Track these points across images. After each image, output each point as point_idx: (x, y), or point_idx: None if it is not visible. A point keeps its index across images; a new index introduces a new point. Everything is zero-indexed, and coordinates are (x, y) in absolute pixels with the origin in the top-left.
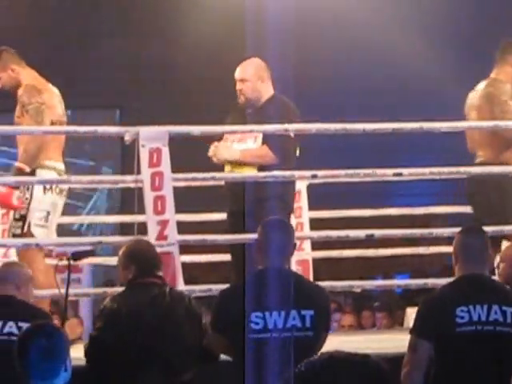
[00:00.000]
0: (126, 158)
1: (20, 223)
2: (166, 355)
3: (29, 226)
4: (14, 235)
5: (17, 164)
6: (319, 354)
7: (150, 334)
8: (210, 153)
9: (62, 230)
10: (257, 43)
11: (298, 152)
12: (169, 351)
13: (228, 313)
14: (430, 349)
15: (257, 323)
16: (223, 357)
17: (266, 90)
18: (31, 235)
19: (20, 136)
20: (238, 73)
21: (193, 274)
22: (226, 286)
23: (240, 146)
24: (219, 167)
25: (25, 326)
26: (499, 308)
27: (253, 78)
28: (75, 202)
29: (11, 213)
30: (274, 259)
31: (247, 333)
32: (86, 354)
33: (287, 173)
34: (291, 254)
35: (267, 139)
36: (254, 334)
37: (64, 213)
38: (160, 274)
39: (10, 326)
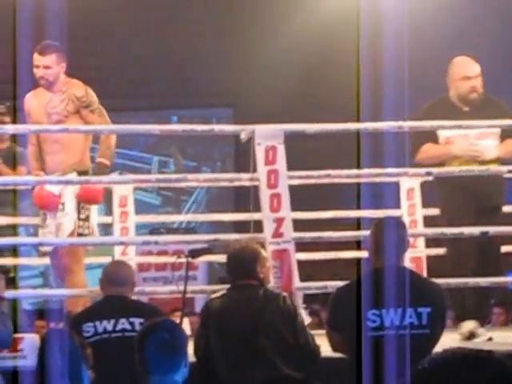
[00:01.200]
0: (239, 157)
1: (87, 223)
2: (262, 354)
3: (92, 226)
4: (82, 235)
5: (102, 160)
6: (442, 351)
7: (246, 334)
8: (474, 153)
9: (172, 228)
10: (372, 44)
11: None
12: (265, 349)
13: (344, 310)
14: None
15: (373, 321)
16: (334, 354)
17: None
18: (94, 234)
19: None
20: (473, 70)
21: (307, 271)
22: (341, 283)
23: (482, 143)
24: (333, 165)
25: (136, 321)
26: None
27: (480, 75)
28: (180, 195)
29: (73, 213)
30: (390, 257)
31: (364, 330)
32: (194, 350)
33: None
34: (405, 252)
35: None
36: (370, 332)
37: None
38: (258, 275)
39: (123, 323)
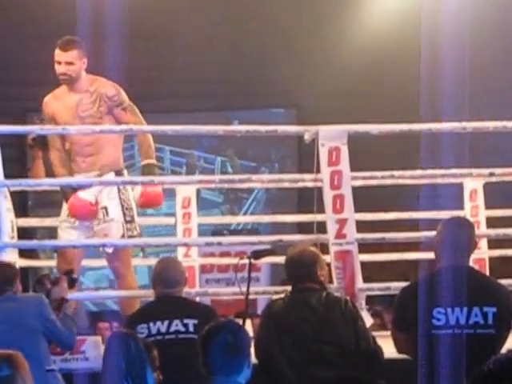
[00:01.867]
0: (301, 159)
1: (134, 225)
2: (324, 356)
3: (139, 226)
4: (132, 237)
5: (150, 161)
6: (507, 351)
7: (307, 337)
8: None
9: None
10: (432, 45)
11: None
12: (327, 353)
13: (409, 310)
14: None
15: (439, 319)
16: (399, 356)
17: None
18: (140, 235)
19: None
20: None
21: (370, 272)
22: (403, 284)
23: None
24: (396, 166)
25: (190, 323)
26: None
27: None
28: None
29: (120, 217)
30: (457, 257)
31: (429, 328)
32: (255, 351)
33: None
34: (472, 252)
35: None
36: (435, 330)
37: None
38: (318, 278)
39: (176, 325)
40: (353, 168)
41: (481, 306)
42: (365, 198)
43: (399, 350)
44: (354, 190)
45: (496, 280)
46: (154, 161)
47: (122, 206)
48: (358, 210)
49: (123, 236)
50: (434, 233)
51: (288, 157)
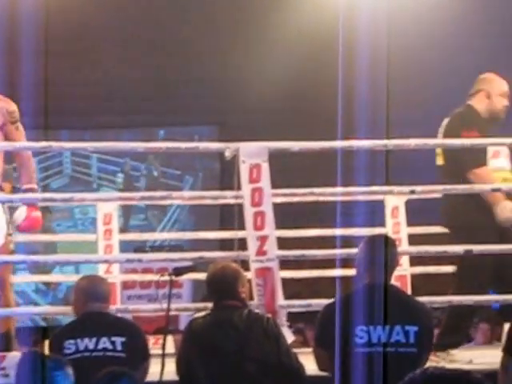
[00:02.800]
0: (224, 173)
1: (12, 238)
2: (247, 375)
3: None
4: (12, 251)
5: (33, 186)
6: (421, 370)
7: (230, 355)
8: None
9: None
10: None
11: None
12: (249, 371)
13: (332, 328)
14: None
15: (361, 337)
16: (320, 373)
17: None
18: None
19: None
20: (508, 88)
21: (292, 289)
22: (325, 301)
23: (494, 163)
24: (317, 183)
25: (118, 340)
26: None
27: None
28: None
29: (5, 228)
30: (379, 274)
31: (351, 346)
32: (176, 368)
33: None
34: (394, 270)
35: None
36: (357, 348)
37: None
38: (240, 295)
39: (104, 342)
40: (274, 185)
41: (403, 325)
42: (287, 215)
43: (320, 368)
44: (276, 206)
45: (417, 299)
46: (36, 186)
47: (7, 218)
48: (279, 226)
49: (5, 247)
50: (354, 250)
51: (212, 168)
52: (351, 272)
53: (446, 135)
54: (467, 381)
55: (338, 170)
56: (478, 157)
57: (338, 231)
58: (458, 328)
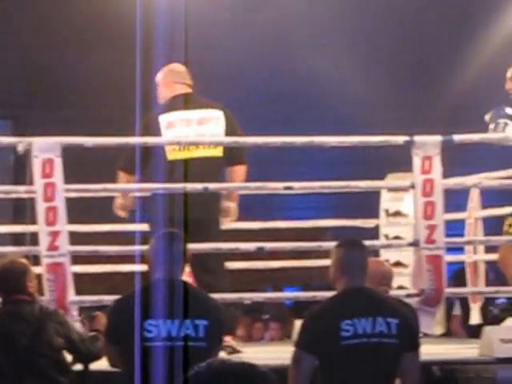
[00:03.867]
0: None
1: None
2: (39, 369)
3: None
4: None
5: None
6: (207, 362)
7: (21, 349)
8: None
9: None
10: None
11: None
12: (41, 365)
13: (121, 323)
14: (314, 362)
15: (150, 331)
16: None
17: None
18: None
19: None
20: None
21: (84, 284)
22: (117, 296)
23: (200, 129)
24: (111, 178)
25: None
26: (384, 320)
27: None
28: None
29: None
30: (170, 270)
31: (141, 341)
32: None
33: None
34: (183, 265)
35: None
36: (146, 342)
37: None
38: (28, 290)
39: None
40: (70, 180)
41: (193, 319)
42: (81, 211)
43: (111, 364)
44: (70, 201)
45: (207, 294)
46: None
47: None
48: (74, 222)
49: None
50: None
51: (5, 162)
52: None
53: None
54: (251, 374)
55: (137, 164)
56: None
57: (131, 227)
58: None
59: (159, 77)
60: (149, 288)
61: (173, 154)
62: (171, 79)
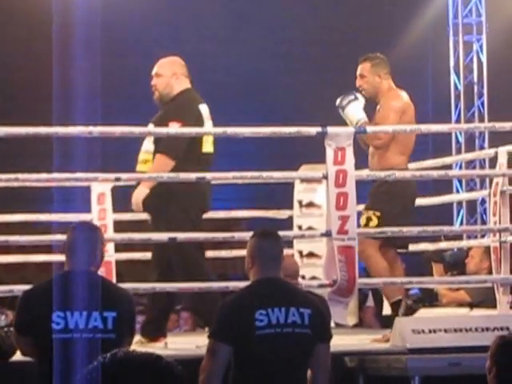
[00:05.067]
0: None
1: None
2: None
3: None
4: None
5: None
6: (111, 353)
7: None
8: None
9: None
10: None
11: None
12: None
13: (30, 313)
14: (230, 353)
15: (58, 323)
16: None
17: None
18: None
19: None
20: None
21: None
22: (28, 286)
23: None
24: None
25: None
26: (297, 310)
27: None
28: None
29: None
30: (80, 262)
31: (49, 332)
32: None
33: None
34: (99, 257)
35: None
36: (55, 334)
37: None
38: None
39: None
40: None
41: (101, 311)
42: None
43: (23, 353)
44: None
45: (117, 285)
46: None
47: None
48: None
49: None
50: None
51: None
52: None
53: None
54: (157, 364)
55: (55, 156)
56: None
57: (44, 217)
58: (160, 316)
59: (167, 68)
60: (59, 279)
61: (206, 147)
62: (182, 71)
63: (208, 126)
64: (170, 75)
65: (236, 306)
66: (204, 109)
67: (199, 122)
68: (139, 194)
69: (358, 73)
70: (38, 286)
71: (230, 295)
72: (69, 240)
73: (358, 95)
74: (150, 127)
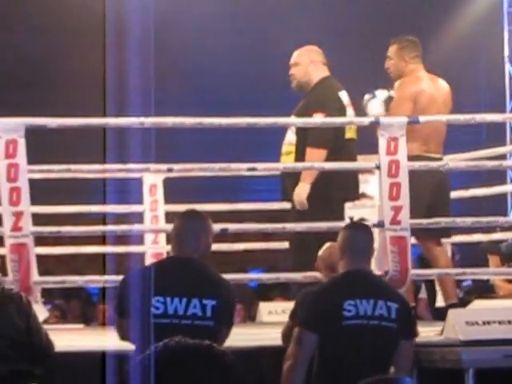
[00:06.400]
0: None
1: None
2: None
3: None
4: None
5: None
6: (163, 342)
7: None
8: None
9: None
10: (116, 40)
11: None
12: (1, 346)
13: (129, 298)
14: (315, 342)
15: (157, 308)
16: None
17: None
18: None
19: None
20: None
21: (47, 265)
22: (77, 278)
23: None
24: (76, 159)
25: None
26: (384, 303)
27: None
28: None
29: None
30: (184, 249)
31: (148, 317)
32: None
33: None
34: (203, 245)
35: None
36: (154, 319)
37: None
38: None
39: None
40: (34, 161)
41: (201, 298)
42: (46, 191)
43: (120, 336)
44: (34, 182)
45: (220, 274)
46: None
47: None
48: (37, 202)
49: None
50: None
51: None
52: (114, 249)
53: None
54: (209, 353)
55: (109, 147)
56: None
57: (96, 208)
58: None
59: (305, 56)
60: (160, 265)
61: (349, 133)
62: (319, 59)
63: (349, 113)
64: (308, 63)
65: (325, 296)
66: (344, 96)
67: (341, 110)
68: (302, 192)
69: (388, 54)
70: (139, 270)
71: (320, 285)
72: (176, 226)
73: (377, 91)
74: (292, 119)
